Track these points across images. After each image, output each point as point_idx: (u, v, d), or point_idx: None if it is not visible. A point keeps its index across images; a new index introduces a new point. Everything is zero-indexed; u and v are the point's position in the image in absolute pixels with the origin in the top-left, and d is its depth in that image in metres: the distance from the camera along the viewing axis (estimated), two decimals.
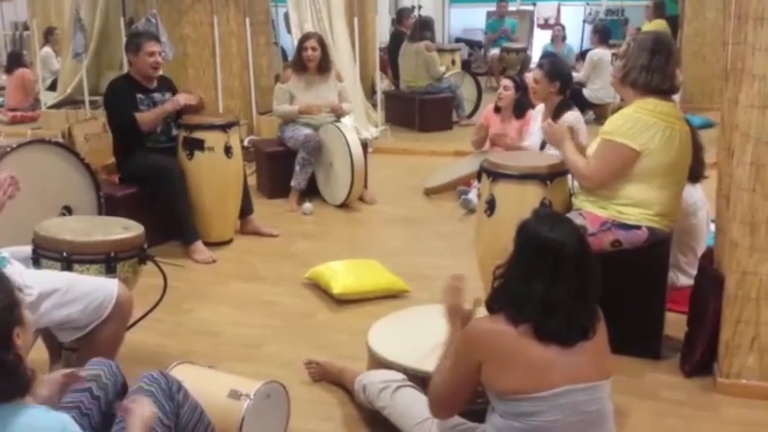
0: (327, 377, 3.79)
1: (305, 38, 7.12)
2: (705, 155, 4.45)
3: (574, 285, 2.53)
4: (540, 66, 5.80)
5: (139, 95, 5.71)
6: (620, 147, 3.76)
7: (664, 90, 3.87)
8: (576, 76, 10.37)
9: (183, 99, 5.78)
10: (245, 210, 6.13)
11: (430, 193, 7.28)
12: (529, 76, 6.58)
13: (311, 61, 6.89)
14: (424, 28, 10.59)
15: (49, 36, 11.93)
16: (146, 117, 5.65)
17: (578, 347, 2.53)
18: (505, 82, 7.08)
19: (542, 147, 5.61)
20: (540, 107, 5.93)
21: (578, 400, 2.52)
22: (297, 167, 6.81)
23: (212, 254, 5.61)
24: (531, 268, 2.57)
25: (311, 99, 6.92)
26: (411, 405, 3.10)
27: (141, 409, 2.41)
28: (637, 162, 3.76)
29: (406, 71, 10.54)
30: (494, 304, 2.66)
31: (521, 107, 6.85)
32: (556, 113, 5.62)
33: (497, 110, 7.05)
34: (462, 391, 2.69)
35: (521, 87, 6.90)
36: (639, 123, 3.75)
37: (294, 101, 6.92)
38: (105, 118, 6.07)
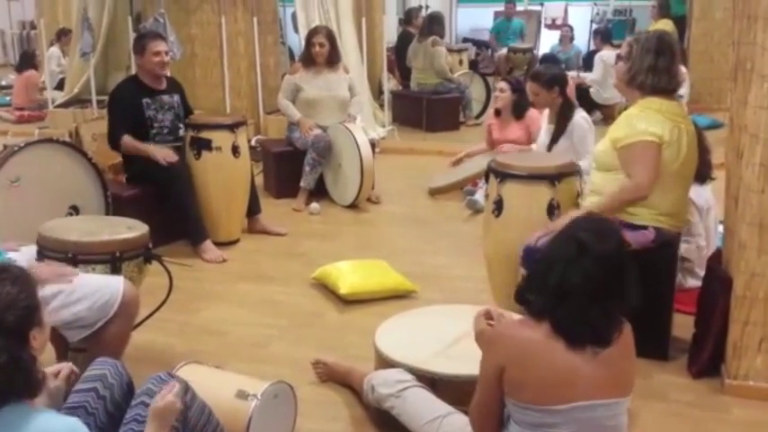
0: (334, 377, 3.78)
1: (313, 33, 7.14)
2: (712, 156, 4.44)
3: (591, 281, 2.46)
4: (534, 78, 5.77)
5: (146, 99, 5.71)
6: (644, 144, 3.72)
7: (670, 90, 3.86)
8: (590, 77, 10.38)
9: (159, 155, 5.59)
10: (253, 209, 6.13)
11: (435, 193, 7.27)
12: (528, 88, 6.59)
13: (319, 56, 6.91)
14: (432, 24, 10.59)
15: (62, 36, 11.93)
16: (129, 146, 5.65)
17: (604, 360, 2.47)
18: (501, 84, 7.09)
19: (550, 148, 5.61)
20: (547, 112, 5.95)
21: (598, 415, 2.49)
22: (306, 168, 6.81)
23: (222, 253, 5.62)
24: (555, 255, 2.55)
25: (321, 91, 6.94)
26: (420, 405, 3.10)
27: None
28: None
29: (418, 69, 10.55)
30: (522, 294, 2.64)
31: (519, 108, 6.85)
32: (561, 115, 5.63)
33: (498, 113, 7.06)
34: (491, 402, 2.62)
35: (518, 89, 6.90)
36: (649, 120, 3.73)
37: (302, 93, 6.94)
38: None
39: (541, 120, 6.28)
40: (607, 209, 3.76)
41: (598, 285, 2.46)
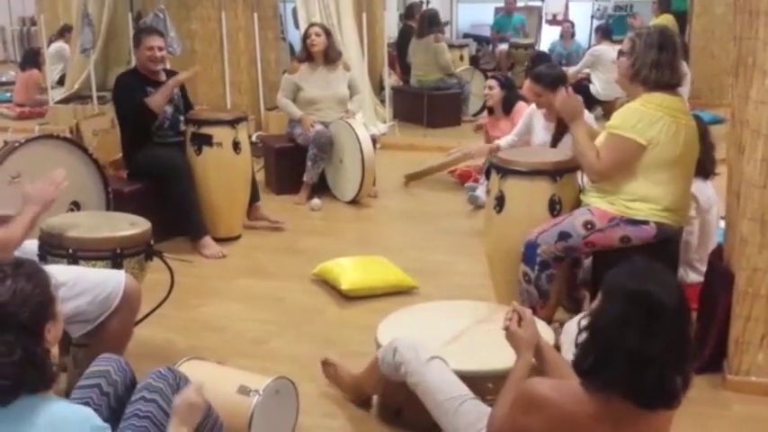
0: (337, 381, 3.67)
1: (309, 27, 7.22)
2: (715, 151, 4.43)
3: (673, 342, 2.22)
4: (536, 80, 5.73)
5: (149, 88, 5.72)
6: (628, 141, 3.74)
7: (673, 85, 3.85)
8: (570, 70, 10.37)
9: (182, 76, 5.84)
10: (252, 197, 6.14)
11: (409, 180, 7.37)
12: (526, 86, 6.57)
13: (315, 46, 6.90)
14: (432, 22, 10.58)
15: (65, 33, 11.89)
16: (153, 100, 5.66)
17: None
18: (490, 82, 7.08)
19: (554, 143, 5.60)
20: (534, 107, 5.92)
21: None
22: (309, 163, 6.81)
23: (221, 248, 5.62)
24: (622, 320, 2.22)
25: (321, 90, 6.95)
26: (445, 380, 3.02)
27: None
28: (644, 156, 3.74)
29: (417, 66, 10.54)
30: (581, 364, 2.32)
31: (509, 104, 6.84)
32: None
33: (491, 111, 7.06)
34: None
35: (506, 85, 6.92)
36: (646, 118, 3.73)
37: (302, 92, 6.94)
38: (114, 113, 6.07)
39: (524, 112, 6.22)
40: (575, 145, 4.03)
41: (679, 342, 2.25)
